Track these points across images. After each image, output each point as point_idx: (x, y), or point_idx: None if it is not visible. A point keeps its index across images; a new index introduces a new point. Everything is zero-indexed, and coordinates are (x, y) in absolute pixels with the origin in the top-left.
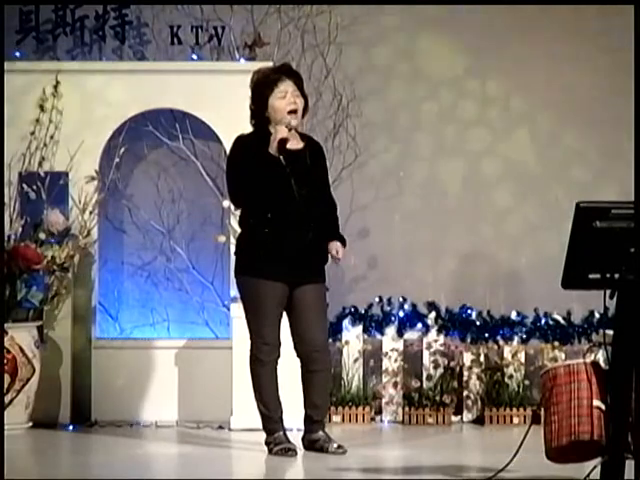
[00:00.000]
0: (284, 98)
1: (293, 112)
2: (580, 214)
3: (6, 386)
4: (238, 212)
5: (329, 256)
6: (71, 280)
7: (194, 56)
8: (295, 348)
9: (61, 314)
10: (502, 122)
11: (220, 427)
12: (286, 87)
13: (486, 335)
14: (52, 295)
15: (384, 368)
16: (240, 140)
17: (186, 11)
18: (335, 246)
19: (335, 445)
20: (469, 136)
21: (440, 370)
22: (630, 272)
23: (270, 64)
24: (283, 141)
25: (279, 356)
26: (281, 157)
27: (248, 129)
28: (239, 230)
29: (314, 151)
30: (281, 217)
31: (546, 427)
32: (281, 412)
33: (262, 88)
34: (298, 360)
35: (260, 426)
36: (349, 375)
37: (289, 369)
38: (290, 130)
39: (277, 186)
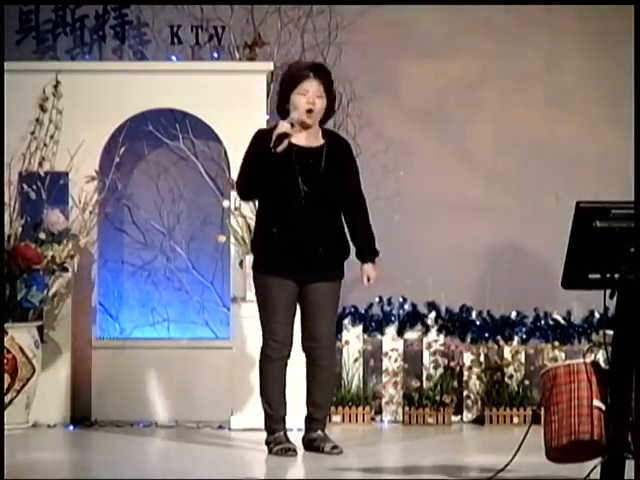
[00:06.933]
0: (304, 96)
1: (309, 111)
2: (580, 214)
3: (6, 386)
4: (238, 212)
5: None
6: (71, 280)
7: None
8: (301, 343)
9: (61, 314)
10: (501, 122)
11: (220, 427)
12: (309, 86)
13: (486, 335)
14: (52, 295)
15: (384, 368)
16: (257, 134)
17: (186, 11)
18: (367, 272)
19: (330, 445)
20: (469, 136)
21: (440, 370)
22: (630, 272)
23: (270, 64)
24: (281, 136)
25: (289, 355)
26: (293, 154)
27: (248, 129)
28: (239, 229)
29: (335, 149)
30: (288, 215)
31: (546, 427)
32: (284, 412)
33: (287, 82)
34: (303, 359)
35: (260, 426)
36: (349, 375)
37: (292, 369)
38: (307, 128)
39: (283, 184)
